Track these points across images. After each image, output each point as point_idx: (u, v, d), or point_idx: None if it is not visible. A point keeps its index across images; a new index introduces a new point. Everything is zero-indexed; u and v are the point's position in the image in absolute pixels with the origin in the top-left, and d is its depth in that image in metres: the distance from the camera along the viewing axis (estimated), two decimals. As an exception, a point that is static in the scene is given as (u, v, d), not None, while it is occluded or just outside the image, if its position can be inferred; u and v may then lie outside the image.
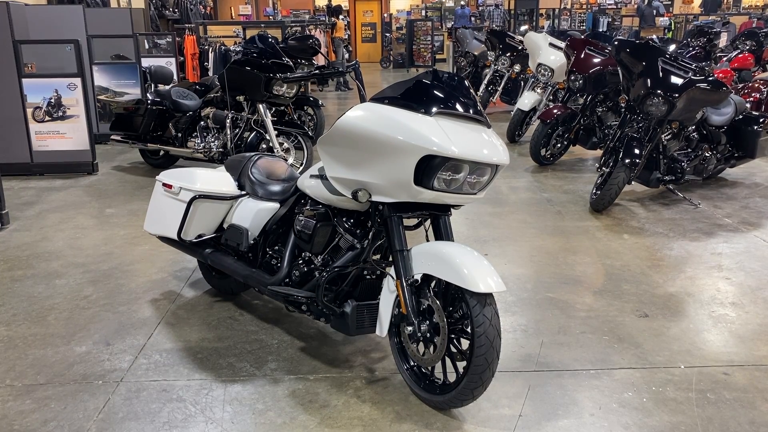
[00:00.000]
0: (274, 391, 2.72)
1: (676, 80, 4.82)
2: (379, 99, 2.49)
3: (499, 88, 10.09)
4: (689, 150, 5.50)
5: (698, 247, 4.38)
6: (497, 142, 2.53)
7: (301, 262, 3.00)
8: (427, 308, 2.56)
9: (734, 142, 5.72)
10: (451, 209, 2.74)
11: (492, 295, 2.40)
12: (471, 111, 2.51)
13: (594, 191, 5.24)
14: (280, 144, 6.05)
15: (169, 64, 9.44)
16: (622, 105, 6.07)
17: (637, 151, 4.91)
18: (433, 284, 2.58)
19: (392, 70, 20.31)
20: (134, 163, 7.21)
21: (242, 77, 5.88)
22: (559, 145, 6.77)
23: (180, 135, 6.53)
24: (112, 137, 6.93)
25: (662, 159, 5.26)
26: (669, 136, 5.23)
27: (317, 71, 2.59)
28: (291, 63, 6.25)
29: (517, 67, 9.90)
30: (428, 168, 2.39)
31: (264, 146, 6.09)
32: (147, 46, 9.75)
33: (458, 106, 2.48)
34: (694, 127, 5.43)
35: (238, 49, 6.12)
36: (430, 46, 18.82)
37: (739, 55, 9.74)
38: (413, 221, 2.82)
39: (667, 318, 3.36)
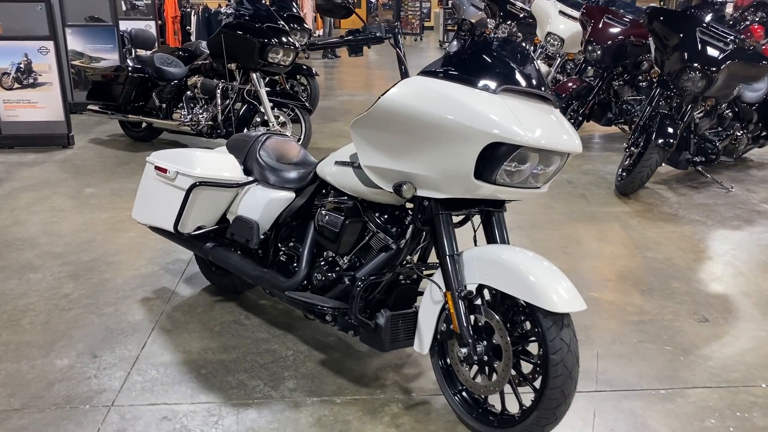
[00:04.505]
0: (296, 419, 2.30)
1: (716, 53, 4.40)
2: (431, 72, 2.04)
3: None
4: (719, 129, 5.12)
5: (742, 238, 4.02)
6: (567, 126, 2.10)
7: (323, 263, 2.55)
8: (483, 325, 2.14)
9: (764, 120, 5.35)
10: (505, 204, 2.31)
11: (569, 315, 1.99)
12: (538, 86, 2.07)
13: (620, 173, 4.85)
14: (276, 117, 5.55)
15: (149, 27, 8.79)
16: (654, 79, 5.66)
17: (670, 131, 4.51)
18: (485, 294, 2.17)
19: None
20: (113, 136, 6.64)
21: (234, 43, 5.34)
22: (573, 121, 6.35)
23: (164, 106, 5.98)
24: (89, 107, 6.36)
25: (693, 138, 4.88)
26: (701, 114, 4.84)
27: (350, 37, 2.13)
28: (287, 27, 5.72)
29: (518, 36, 9.42)
30: (491, 158, 1.96)
31: (258, 119, 5.58)
32: (124, 8, 9.06)
33: (524, 81, 2.04)
34: (726, 105, 5.04)
35: (229, 12, 5.54)
36: (419, 13, 18.20)
37: (748, 27, 9.35)
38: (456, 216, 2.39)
39: (730, 323, 2.99)
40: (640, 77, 6.22)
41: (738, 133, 5.14)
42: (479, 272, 2.10)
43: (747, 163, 5.73)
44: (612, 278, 3.43)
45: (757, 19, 9.66)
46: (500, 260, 2.06)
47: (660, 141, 4.46)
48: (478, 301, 2.17)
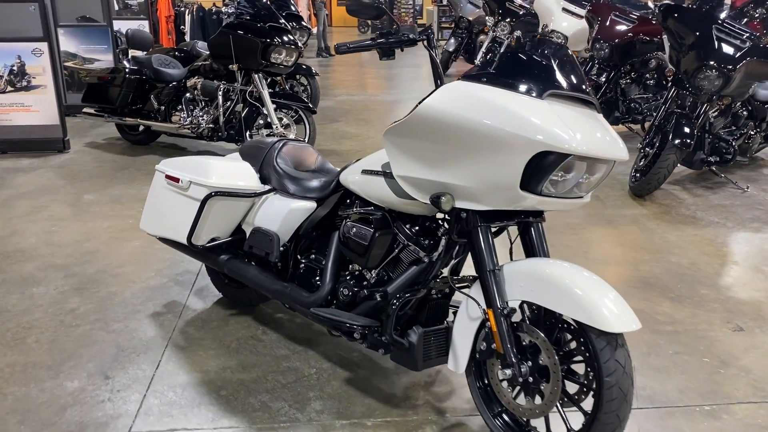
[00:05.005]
0: (327, 444, 2.18)
1: (733, 51, 4.31)
2: (473, 76, 1.92)
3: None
4: (733, 128, 5.03)
5: (764, 241, 3.93)
6: (613, 132, 1.99)
7: (348, 277, 2.43)
8: (527, 344, 2.02)
9: (776, 118, 5.27)
10: (544, 214, 2.19)
11: (623, 334, 1.88)
12: (582, 90, 1.96)
13: (633, 173, 4.75)
14: (279, 119, 5.40)
15: (142, 27, 8.61)
16: (668, 77, 5.57)
17: (687, 130, 4.41)
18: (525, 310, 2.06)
19: (371, 35, 19.51)
20: (110, 139, 6.47)
21: (235, 43, 5.18)
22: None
23: (163, 108, 5.83)
24: (85, 110, 6.19)
25: (707, 138, 4.78)
26: (716, 113, 4.75)
27: (382, 39, 2.00)
28: (289, 27, 5.58)
29: (517, 34, 9.30)
30: (537, 167, 1.84)
31: (260, 121, 5.44)
32: (116, 7, 8.88)
33: (569, 84, 1.92)
34: (740, 103, 4.95)
35: (230, 11, 5.40)
36: (411, 10, 18.07)
37: (748, 23, 9.30)
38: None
39: (766, 332, 2.89)
40: (647, 75, 6.12)
41: (751, 132, 5.06)
42: (522, 288, 1.98)
43: (758, 162, 5.65)
44: (638, 285, 3.32)
45: (756, 15, 9.59)
46: (544, 275, 1.94)
47: (677, 141, 4.36)
48: (517, 317, 2.05)
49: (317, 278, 2.57)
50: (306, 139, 5.49)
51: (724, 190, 4.87)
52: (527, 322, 2.04)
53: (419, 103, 1.92)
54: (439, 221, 2.28)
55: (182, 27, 9.10)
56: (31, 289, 3.29)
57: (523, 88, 1.85)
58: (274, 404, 2.38)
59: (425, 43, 2.15)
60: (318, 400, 2.41)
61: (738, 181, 4.97)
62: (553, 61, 1.96)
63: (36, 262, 3.60)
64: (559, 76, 1.92)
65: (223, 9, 5.44)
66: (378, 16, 2.13)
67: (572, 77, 1.96)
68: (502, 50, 2.00)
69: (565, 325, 1.98)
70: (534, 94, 1.84)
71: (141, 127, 6.13)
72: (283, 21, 5.56)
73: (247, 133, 5.38)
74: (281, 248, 2.64)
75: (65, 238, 3.94)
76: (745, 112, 5.00)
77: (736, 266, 3.57)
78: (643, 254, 3.71)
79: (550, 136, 1.77)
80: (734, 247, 3.83)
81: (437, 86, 2.01)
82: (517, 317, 2.05)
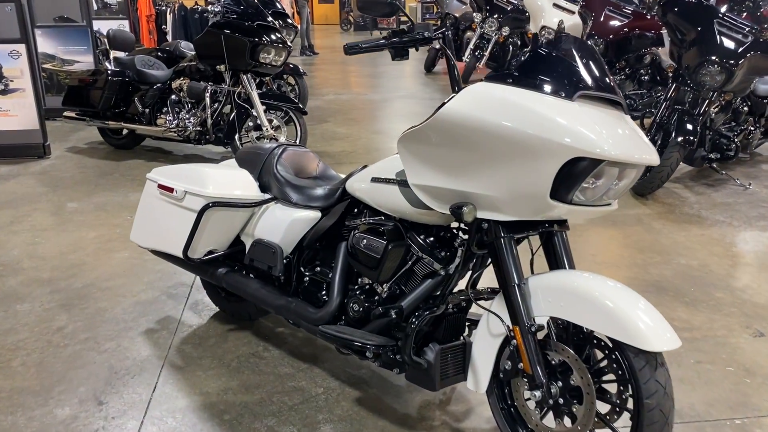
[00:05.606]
0: (341, 473, 2.03)
1: (735, 46, 4.23)
2: (498, 77, 1.78)
3: (486, 53, 9.37)
4: (733, 124, 4.96)
5: (774, 239, 3.85)
6: (642, 134, 1.87)
7: (358, 291, 2.28)
8: (557, 363, 1.89)
9: (774, 113, 5.20)
10: (567, 222, 2.06)
11: (662, 353, 1.75)
12: (611, 90, 1.83)
13: (634, 172, 4.65)
14: (269, 121, 5.24)
15: (122, 26, 8.37)
16: (669, 73, 5.48)
17: (690, 127, 4.31)
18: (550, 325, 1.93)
19: (353, 32, 19.34)
20: (92, 143, 6.25)
21: (223, 43, 5.01)
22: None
23: (147, 111, 5.63)
24: (66, 114, 5.97)
25: (708, 135, 4.69)
26: (717, 109, 4.66)
27: (396, 38, 1.86)
28: (277, 25, 5.41)
29: (505, 30, 9.19)
30: (568, 174, 1.71)
31: (250, 123, 5.27)
32: (95, 7, 8.63)
33: (598, 85, 1.80)
34: (740, 99, 4.88)
35: (216, 10, 5.22)
36: (394, 8, 17.92)
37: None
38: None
39: (788, 337, 2.80)
40: (642, 71, 6.04)
41: (751, 128, 4.99)
42: (550, 303, 1.84)
43: (757, 158, 5.58)
44: (651, 290, 3.21)
45: (744, 9, 9.57)
46: (573, 288, 1.81)
47: (680, 139, 4.26)
48: (540, 334, 1.92)
49: (323, 293, 2.43)
50: (297, 141, 5.33)
51: (725, 187, 4.79)
52: (554, 339, 1.91)
53: (439, 107, 1.78)
54: (455, 231, 2.15)
55: (164, 26, 8.87)
56: (15, 306, 3.10)
57: (552, 89, 1.72)
58: (281, 429, 2.23)
59: (441, 41, 2.01)
60: (328, 423, 2.26)
61: (739, 178, 4.89)
62: (580, 60, 1.82)
63: (19, 276, 3.41)
64: (587, 76, 1.79)
65: (209, 8, 5.26)
66: (391, 13, 1.98)
67: (601, 77, 1.83)
68: (527, 51, 1.86)
69: (595, 341, 1.86)
70: (564, 96, 1.71)
71: (125, 131, 5.93)
72: (270, 19, 5.39)
73: (236, 135, 5.20)
74: (284, 260, 2.49)
75: (49, 250, 3.75)
76: (745, 108, 4.93)
77: (749, 267, 3.48)
78: (651, 256, 3.60)
79: (584, 141, 1.64)
80: (743, 246, 3.74)
81: (454, 90, 1.88)
82: (541, 334, 1.93)
